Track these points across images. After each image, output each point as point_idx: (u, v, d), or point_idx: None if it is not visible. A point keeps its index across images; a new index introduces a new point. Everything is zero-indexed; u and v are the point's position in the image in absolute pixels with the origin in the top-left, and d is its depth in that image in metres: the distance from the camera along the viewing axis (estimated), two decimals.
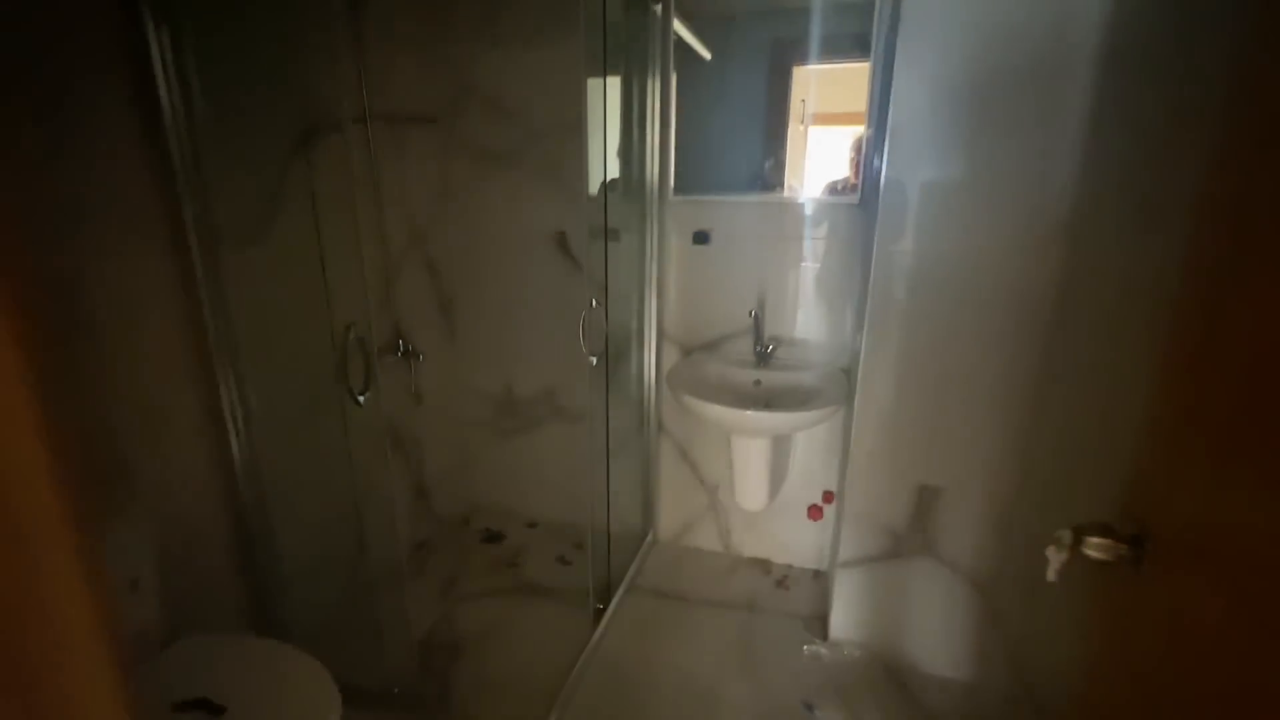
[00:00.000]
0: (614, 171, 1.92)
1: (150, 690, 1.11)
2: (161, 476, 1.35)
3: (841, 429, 1.98)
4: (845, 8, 1.74)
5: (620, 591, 2.05)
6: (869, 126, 1.78)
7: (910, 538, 1.69)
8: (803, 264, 1.94)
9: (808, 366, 1.96)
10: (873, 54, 1.72)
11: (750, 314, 1.96)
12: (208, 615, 1.46)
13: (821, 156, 1.88)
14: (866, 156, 1.79)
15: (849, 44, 1.79)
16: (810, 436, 2.07)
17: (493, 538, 2.41)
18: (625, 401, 2.21)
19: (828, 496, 2.12)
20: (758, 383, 1.96)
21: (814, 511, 2.15)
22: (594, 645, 1.81)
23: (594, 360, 1.72)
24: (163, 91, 1.25)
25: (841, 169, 1.86)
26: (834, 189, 1.89)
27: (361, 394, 1.40)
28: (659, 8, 1.85)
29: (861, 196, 1.82)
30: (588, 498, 1.77)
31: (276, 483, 1.57)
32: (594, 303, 1.65)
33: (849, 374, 1.90)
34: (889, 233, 1.51)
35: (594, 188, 1.68)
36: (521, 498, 2.54)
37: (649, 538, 2.36)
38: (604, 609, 1.93)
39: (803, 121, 1.87)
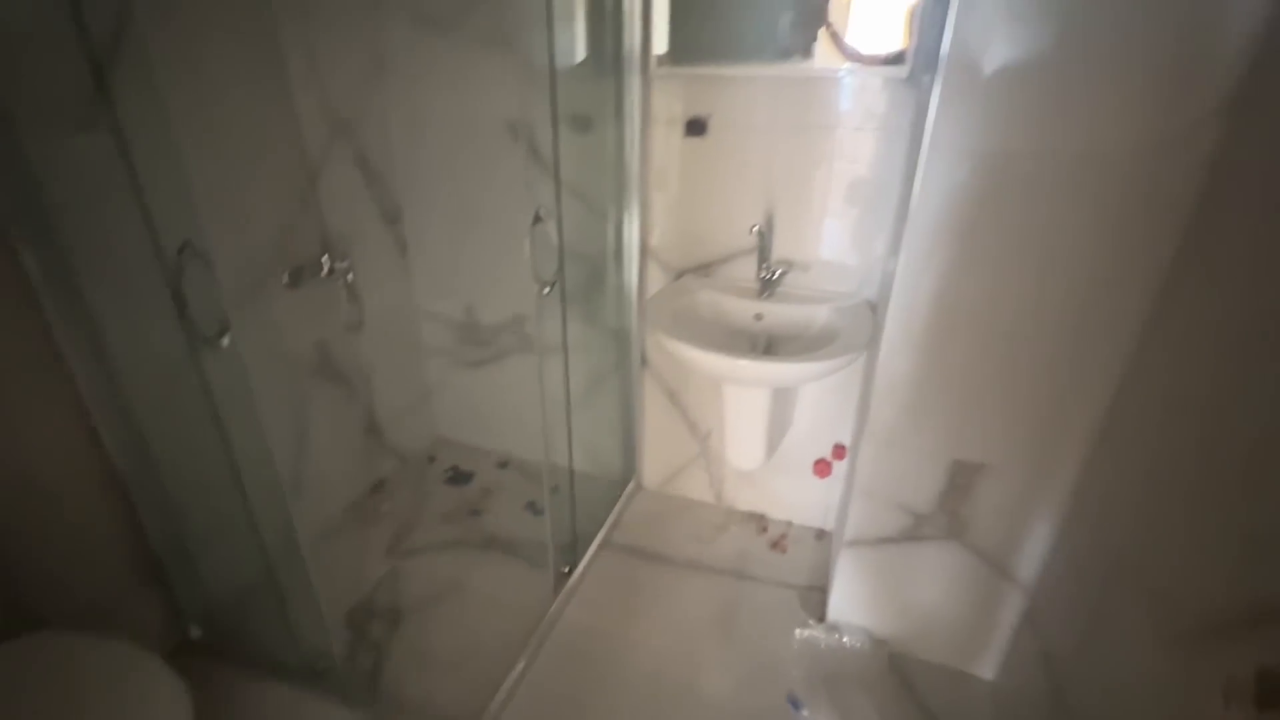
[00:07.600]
0: (581, 40, 1.45)
1: None
2: None
3: (862, 374, 1.60)
4: None
5: (593, 548, 1.79)
6: None
7: (935, 519, 1.36)
8: (830, 163, 1.48)
9: (824, 298, 1.56)
10: None
11: (753, 229, 1.53)
12: (87, 593, 1.24)
13: (871, 14, 1.36)
14: (924, 13, 1.29)
15: None
16: (822, 380, 1.69)
17: (459, 478, 2.16)
18: (602, 332, 1.85)
19: (839, 451, 1.78)
20: (759, 316, 1.57)
21: (821, 467, 1.82)
22: (553, 618, 1.58)
23: (545, 289, 1.34)
24: None
25: (894, 34, 1.35)
26: (880, 61, 1.39)
27: (220, 335, 1.07)
28: None
29: (911, 69, 1.33)
30: (550, 441, 1.46)
31: (150, 439, 1.29)
32: (537, 215, 1.25)
33: (876, 309, 1.50)
34: (950, 120, 1.05)
35: (556, 61, 1.24)
36: (490, 435, 2.26)
37: (631, 485, 2.09)
38: (570, 572, 1.68)
39: None
